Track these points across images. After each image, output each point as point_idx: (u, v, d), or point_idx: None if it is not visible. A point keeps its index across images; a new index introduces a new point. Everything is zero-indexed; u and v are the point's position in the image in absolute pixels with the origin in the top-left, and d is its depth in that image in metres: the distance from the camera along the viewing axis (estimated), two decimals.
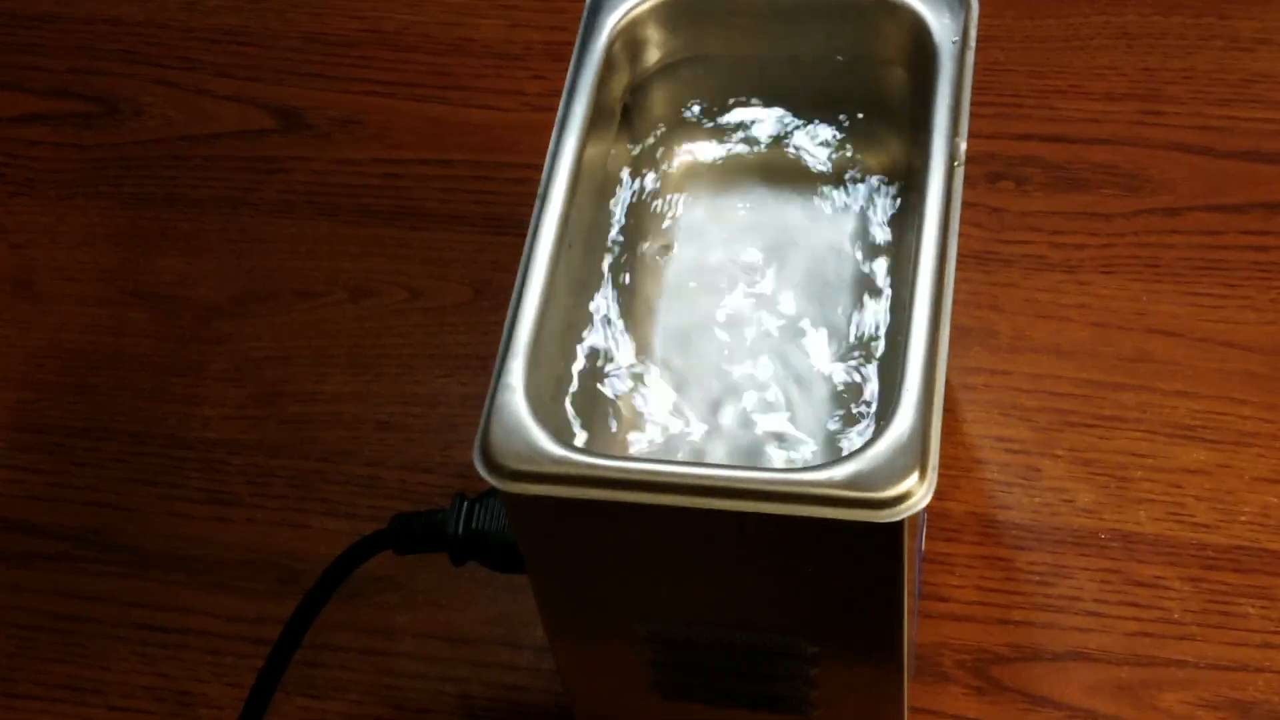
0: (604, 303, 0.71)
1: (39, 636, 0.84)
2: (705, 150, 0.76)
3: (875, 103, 0.74)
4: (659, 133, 0.76)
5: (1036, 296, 0.90)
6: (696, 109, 0.76)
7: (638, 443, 0.69)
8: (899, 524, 0.59)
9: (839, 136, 0.75)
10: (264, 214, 0.97)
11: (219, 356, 0.92)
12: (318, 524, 0.86)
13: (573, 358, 0.69)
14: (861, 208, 0.74)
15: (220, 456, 0.88)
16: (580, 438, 0.68)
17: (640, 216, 0.74)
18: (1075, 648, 0.79)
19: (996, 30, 0.99)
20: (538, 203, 0.67)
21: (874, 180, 0.74)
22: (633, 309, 0.72)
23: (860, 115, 0.75)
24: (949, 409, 0.84)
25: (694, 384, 0.70)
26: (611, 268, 0.72)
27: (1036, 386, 0.87)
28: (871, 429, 0.67)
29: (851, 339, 0.71)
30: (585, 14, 0.72)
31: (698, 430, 0.69)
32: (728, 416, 0.69)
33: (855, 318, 0.71)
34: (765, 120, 0.76)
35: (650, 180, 0.75)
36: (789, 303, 0.72)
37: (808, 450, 0.68)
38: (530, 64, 1.02)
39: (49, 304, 0.95)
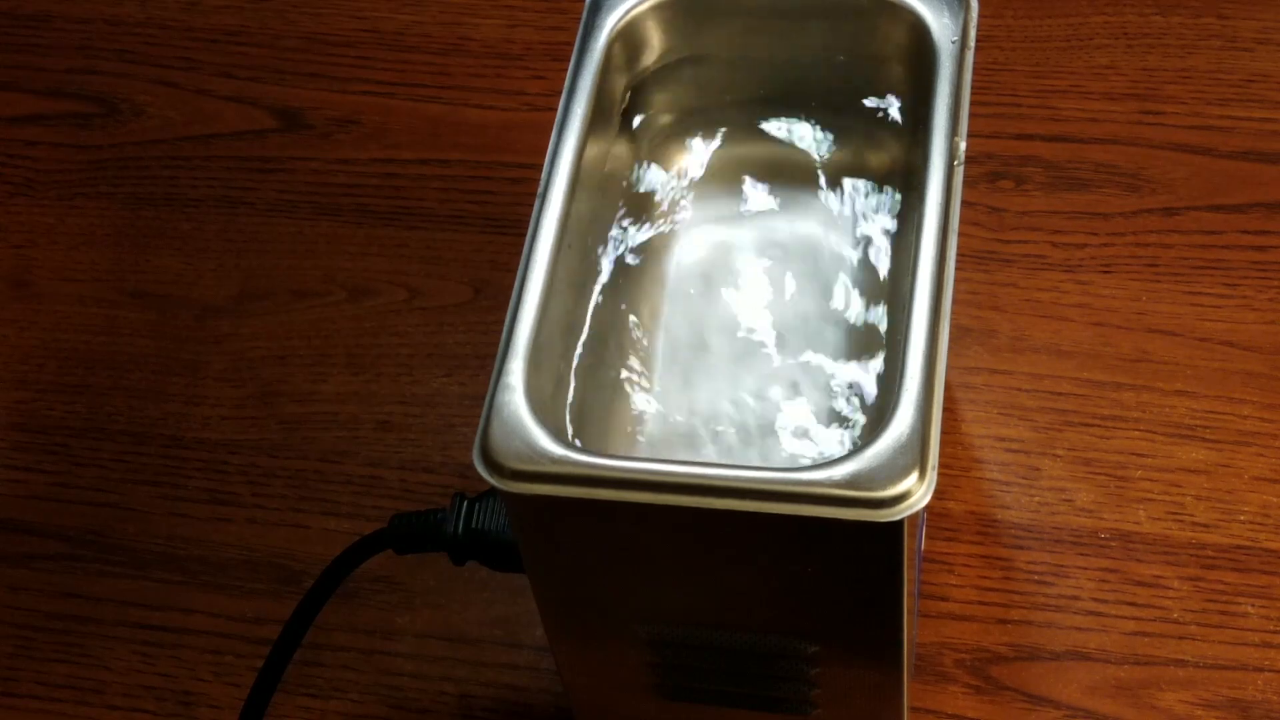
0: (603, 302, 0.71)
1: (39, 636, 0.84)
2: (704, 150, 0.76)
3: (875, 103, 0.74)
4: (659, 132, 0.76)
5: (1036, 296, 0.90)
6: (696, 109, 0.76)
7: (638, 442, 0.69)
8: (899, 523, 0.59)
9: (839, 136, 0.75)
10: (263, 214, 0.97)
11: (218, 356, 0.92)
12: (318, 524, 0.86)
13: (572, 358, 0.69)
14: (861, 207, 0.74)
15: (220, 456, 0.88)
16: (580, 438, 0.68)
17: (639, 216, 0.74)
18: (1074, 647, 0.79)
19: (996, 30, 0.99)
20: (537, 202, 0.67)
21: (874, 180, 0.74)
22: (632, 308, 0.72)
23: (860, 115, 0.75)
24: (949, 409, 0.84)
25: (694, 383, 0.70)
26: (611, 268, 0.72)
27: (1036, 386, 0.87)
28: (871, 428, 0.67)
29: (851, 338, 0.71)
30: (585, 14, 0.72)
31: (698, 430, 0.69)
32: (728, 416, 0.69)
33: (855, 317, 0.71)
34: (764, 120, 0.76)
35: (649, 180, 0.75)
36: (788, 302, 0.72)
37: (808, 449, 0.68)
38: (530, 64, 1.02)
39: (48, 304, 0.95)
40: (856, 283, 0.72)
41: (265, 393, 0.90)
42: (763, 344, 0.71)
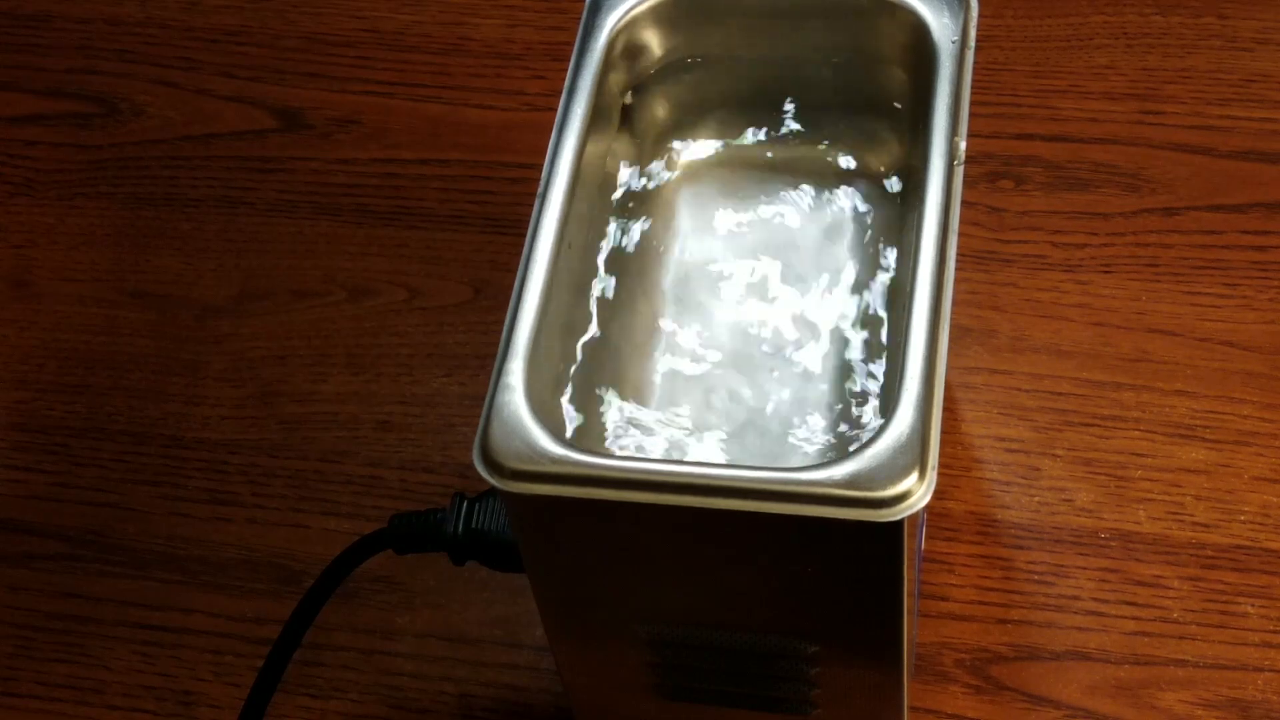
0: (603, 302, 0.71)
1: (39, 636, 0.84)
2: (705, 150, 0.76)
3: (875, 103, 0.74)
4: (659, 132, 0.76)
5: (1036, 296, 0.90)
6: (696, 109, 0.76)
7: (637, 442, 0.69)
8: (899, 523, 0.59)
9: (839, 136, 0.75)
10: (263, 213, 0.97)
11: (218, 356, 0.92)
12: (318, 524, 0.86)
13: (572, 358, 0.69)
14: (861, 207, 0.74)
15: (220, 456, 0.88)
16: (579, 437, 0.68)
17: (640, 216, 0.74)
18: (1074, 647, 0.79)
19: (996, 30, 0.99)
20: (537, 202, 0.67)
21: (873, 180, 0.74)
22: (632, 309, 0.72)
23: (860, 115, 0.75)
24: (949, 409, 0.84)
25: (693, 383, 0.70)
26: (611, 267, 0.72)
27: (1036, 386, 0.87)
28: (872, 428, 0.67)
29: (851, 338, 0.71)
30: (585, 14, 0.72)
31: (697, 429, 0.69)
32: (727, 416, 0.69)
33: (855, 317, 0.71)
34: (764, 120, 0.76)
35: (650, 180, 0.75)
36: (788, 302, 0.72)
37: (807, 449, 0.68)
38: (530, 64, 1.02)
39: (48, 304, 0.95)
40: (856, 282, 0.72)
41: (265, 393, 0.90)
42: (762, 343, 0.71)
